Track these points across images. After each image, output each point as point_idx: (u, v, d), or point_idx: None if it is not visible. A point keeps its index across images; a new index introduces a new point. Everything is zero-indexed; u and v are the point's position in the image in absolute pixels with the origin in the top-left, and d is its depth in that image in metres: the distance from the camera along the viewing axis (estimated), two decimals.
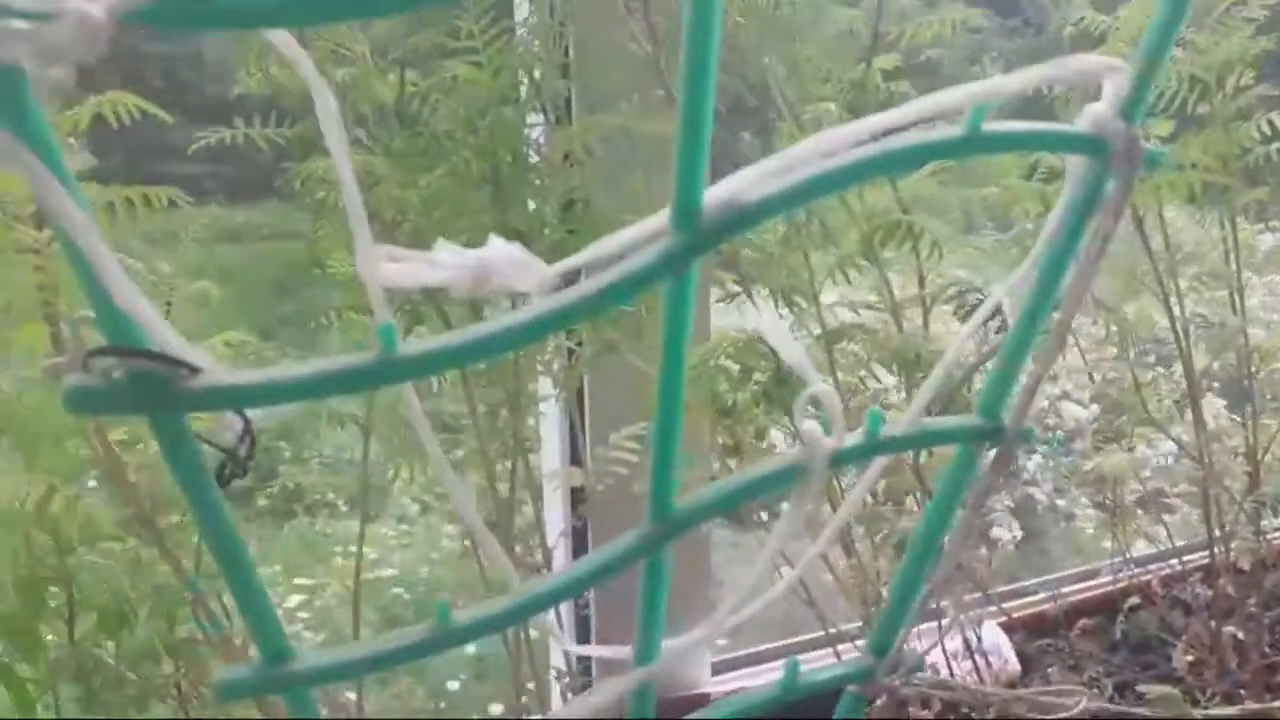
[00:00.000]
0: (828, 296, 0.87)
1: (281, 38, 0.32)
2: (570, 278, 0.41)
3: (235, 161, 0.86)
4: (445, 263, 0.39)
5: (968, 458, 0.50)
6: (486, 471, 0.74)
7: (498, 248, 0.40)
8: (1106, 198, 0.46)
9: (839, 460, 0.45)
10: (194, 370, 0.32)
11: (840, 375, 0.81)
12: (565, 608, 0.98)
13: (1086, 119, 0.45)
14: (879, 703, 0.54)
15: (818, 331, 0.80)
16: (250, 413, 0.39)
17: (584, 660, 0.96)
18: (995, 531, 1.86)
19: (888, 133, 0.40)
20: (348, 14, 0.29)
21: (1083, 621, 1.21)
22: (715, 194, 0.40)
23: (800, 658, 0.53)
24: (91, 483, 0.82)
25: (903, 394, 0.86)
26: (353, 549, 0.84)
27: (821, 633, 1.01)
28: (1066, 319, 0.48)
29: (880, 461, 0.50)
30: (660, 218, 0.39)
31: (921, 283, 0.81)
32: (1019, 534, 1.85)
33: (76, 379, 0.31)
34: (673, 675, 1.04)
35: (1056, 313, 0.50)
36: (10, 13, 0.26)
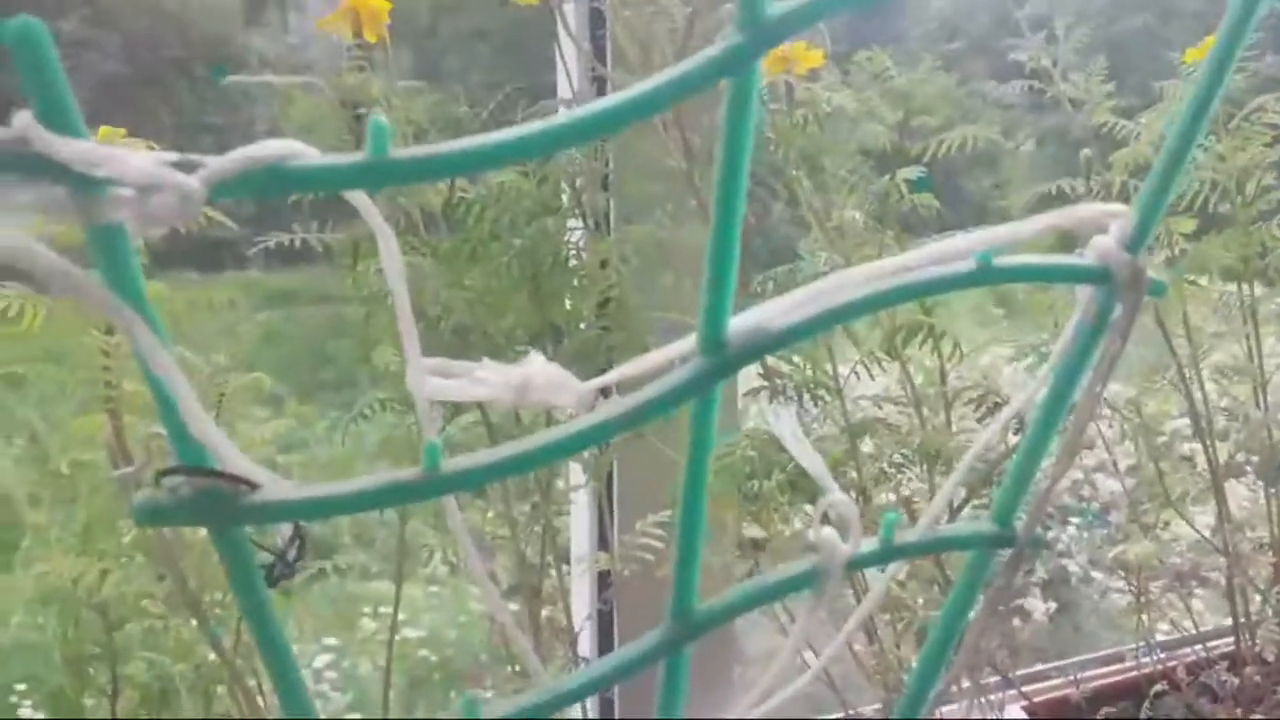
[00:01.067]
0: (855, 389, 0.89)
1: (357, 197, 0.35)
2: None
3: (277, 226, 0.87)
4: (489, 380, 0.42)
5: (982, 561, 0.52)
6: (516, 556, 0.76)
7: (537, 366, 0.42)
8: (1113, 321, 0.48)
9: (854, 566, 0.47)
10: (253, 486, 0.35)
11: (865, 469, 0.82)
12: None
13: (1093, 252, 0.47)
14: None
15: (842, 424, 0.82)
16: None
17: None
18: (1028, 604, 1.84)
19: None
20: (415, 179, 0.32)
21: (1105, 710, 1.19)
22: (742, 321, 0.42)
23: None
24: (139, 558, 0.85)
25: (925, 484, 0.87)
26: (382, 609, 0.86)
27: (842, 715, 1.01)
28: (1078, 431, 0.50)
29: (895, 565, 0.51)
30: (688, 341, 0.42)
31: (943, 379, 0.83)
32: (1052, 606, 1.82)
33: (147, 494, 0.34)
34: None
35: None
36: (124, 184, 0.29)
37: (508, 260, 0.74)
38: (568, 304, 0.76)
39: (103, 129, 0.68)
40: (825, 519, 0.47)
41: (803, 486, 0.84)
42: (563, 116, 0.35)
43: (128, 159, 0.28)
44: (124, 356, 0.63)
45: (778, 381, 0.80)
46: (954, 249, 0.43)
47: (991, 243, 0.42)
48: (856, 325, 0.80)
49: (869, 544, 0.47)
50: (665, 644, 0.44)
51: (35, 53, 0.29)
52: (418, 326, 0.79)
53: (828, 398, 0.81)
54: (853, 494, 0.83)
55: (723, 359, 0.40)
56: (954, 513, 0.79)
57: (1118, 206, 0.44)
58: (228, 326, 0.81)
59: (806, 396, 0.80)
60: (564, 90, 0.91)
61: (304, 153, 0.32)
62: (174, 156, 0.29)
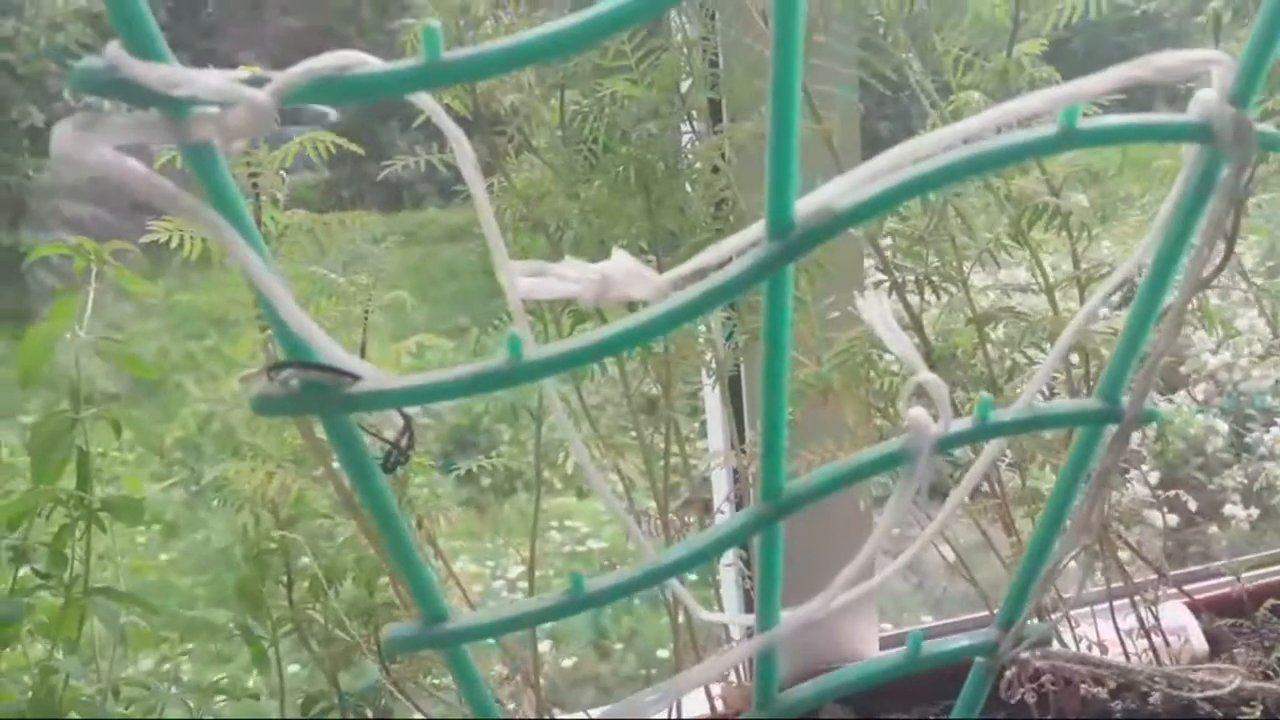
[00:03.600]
0: (979, 279, 0.86)
1: (423, 99, 0.36)
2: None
3: (451, 165, 0.90)
4: (572, 277, 0.43)
5: (1089, 439, 0.50)
6: (645, 454, 0.79)
7: (618, 261, 0.44)
8: (1220, 182, 0.45)
9: (946, 445, 0.46)
10: (355, 378, 0.38)
11: (997, 360, 0.80)
12: (732, 580, 1.02)
13: (1195, 107, 0.44)
14: (1009, 674, 0.55)
15: (969, 315, 0.80)
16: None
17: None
18: (1228, 509, 1.75)
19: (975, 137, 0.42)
20: (467, 77, 0.33)
21: (1271, 601, 1.14)
22: (808, 203, 0.42)
23: None
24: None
25: (1062, 375, 0.84)
26: (567, 523, 0.91)
27: (987, 613, 1.00)
28: (1183, 302, 0.47)
29: (997, 444, 0.51)
30: (758, 227, 0.42)
31: (1075, 263, 0.79)
32: (1254, 512, 1.72)
33: (263, 388, 0.37)
34: (837, 646, 1.06)
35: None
36: (201, 101, 0.31)
37: (621, 168, 0.75)
38: (681, 209, 0.77)
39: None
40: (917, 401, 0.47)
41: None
42: (608, 4, 0.35)
43: (202, 77, 0.30)
44: None
45: (897, 275, 0.79)
46: (1025, 108, 0.41)
47: (1069, 99, 0.40)
48: (976, 208, 0.77)
49: (962, 424, 0.47)
50: (755, 521, 0.46)
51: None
52: (539, 238, 0.81)
53: (953, 289, 0.79)
54: (983, 386, 0.81)
55: (789, 242, 0.40)
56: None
57: (1214, 53, 0.41)
58: (400, 260, 0.85)
59: (928, 289, 0.79)
60: None
61: (366, 61, 0.34)
62: (245, 73, 0.32)
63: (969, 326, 0.80)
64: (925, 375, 0.45)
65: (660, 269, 0.69)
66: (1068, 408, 0.50)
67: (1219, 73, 0.42)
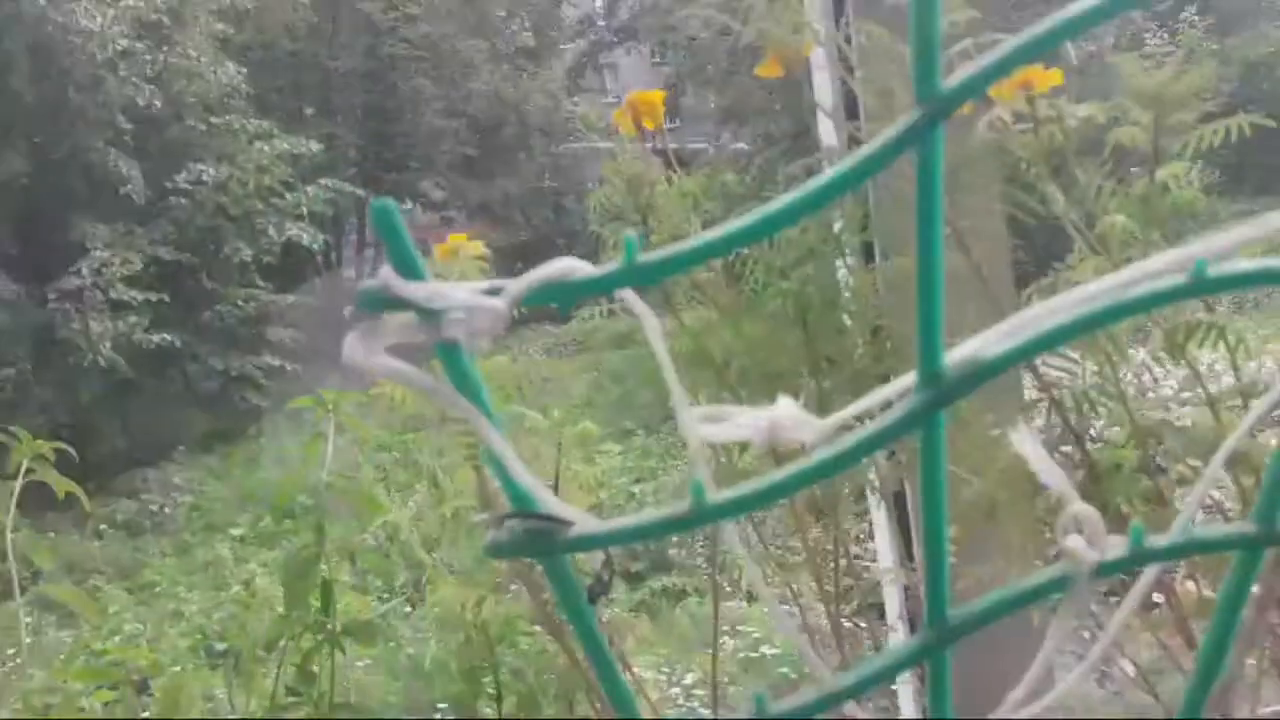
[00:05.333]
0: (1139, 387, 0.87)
1: (624, 292, 0.43)
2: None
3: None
4: (744, 423, 0.49)
5: (1247, 562, 0.51)
6: (814, 571, 0.82)
7: (783, 408, 0.49)
8: None
9: (1103, 572, 0.49)
10: (568, 524, 0.44)
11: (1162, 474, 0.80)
12: (908, 685, 1.02)
13: None
14: None
15: (1129, 430, 0.80)
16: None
17: None
18: None
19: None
20: (661, 276, 0.40)
21: None
22: (959, 353, 0.46)
23: None
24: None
25: (1231, 485, 0.83)
26: (740, 628, 0.94)
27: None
28: None
29: (1153, 568, 0.52)
30: (911, 377, 0.46)
31: (1236, 375, 0.79)
32: None
33: (494, 534, 0.44)
34: None
35: None
36: (453, 309, 0.39)
37: (781, 304, 0.81)
38: (839, 337, 0.81)
39: (452, 237, 0.83)
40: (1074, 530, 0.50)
41: (1093, 494, 0.83)
42: (775, 204, 0.41)
43: (454, 292, 0.38)
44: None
45: (1055, 392, 0.81)
46: (1169, 263, 0.44)
47: (1196, 256, 0.43)
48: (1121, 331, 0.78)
49: (1117, 550, 0.49)
50: (923, 649, 0.48)
51: (390, 222, 0.40)
52: (705, 371, 0.87)
53: (1109, 404, 0.80)
54: (1149, 500, 0.81)
55: (940, 391, 0.44)
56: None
57: None
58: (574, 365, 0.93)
59: (1086, 405, 0.80)
60: (826, 135, 0.97)
61: (578, 268, 0.41)
62: (485, 285, 0.39)
63: (1129, 442, 0.80)
64: (1079, 507, 0.48)
65: (820, 393, 0.74)
66: (1222, 532, 0.51)
67: None
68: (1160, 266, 0.45)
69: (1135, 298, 0.47)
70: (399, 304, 0.39)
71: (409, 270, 0.39)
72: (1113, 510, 0.78)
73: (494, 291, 0.39)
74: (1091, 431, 0.82)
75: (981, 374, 0.45)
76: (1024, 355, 0.46)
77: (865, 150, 0.40)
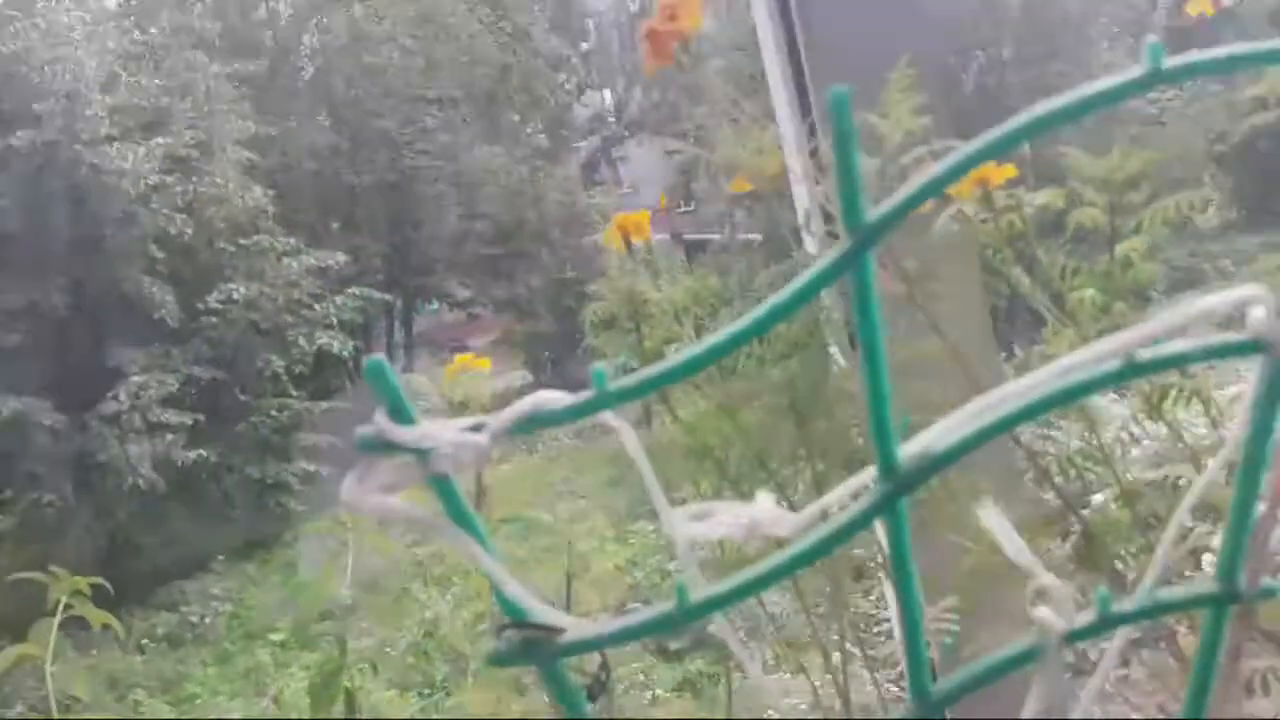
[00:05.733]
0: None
1: (604, 415, 0.47)
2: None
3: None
4: (727, 521, 0.52)
5: (1215, 620, 0.53)
6: (821, 651, 0.84)
7: (761, 506, 0.52)
8: None
9: (1073, 639, 0.51)
10: (560, 630, 0.48)
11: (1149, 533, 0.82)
12: None
13: (1249, 327, 0.49)
14: None
15: (1116, 490, 0.83)
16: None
17: None
18: None
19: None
20: (631, 399, 0.44)
21: None
22: (911, 447, 0.50)
23: None
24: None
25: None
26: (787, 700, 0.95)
27: None
28: (1272, 488, 0.51)
29: (1125, 631, 0.54)
30: (871, 472, 0.50)
31: (1215, 430, 0.82)
32: None
33: (494, 644, 0.47)
34: None
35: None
36: (441, 447, 0.43)
37: (771, 394, 0.85)
38: (829, 421, 0.85)
39: (459, 357, 0.89)
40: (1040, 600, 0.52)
41: (1087, 556, 0.85)
42: (735, 326, 0.46)
43: (441, 432, 0.42)
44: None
45: (1039, 460, 0.83)
46: (1100, 352, 0.48)
47: (1132, 344, 0.47)
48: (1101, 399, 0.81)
49: (1086, 617, 0.52)
50: None
51: (382, 375, 0.45)
52: (704, 462, 0.91)
53: (1094, 467, 0.83)
54: (1140, 555, 0.83)
55: (898, 482, 0.48)
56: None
57: (1256, 289, 0.47)
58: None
59: (1072, 470, 0.83)
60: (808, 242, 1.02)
61: (554, 399, 0.45)
62: (468, 422, 0.43)
63: (1120, 501, 0.83)
64: (1044, 580, 0.51)
65: (816, 477, 0.77)
66: (1187, 593, 0.54)
67: (1264, 303, 0.48)
68: (1102, 353, 0.49)
69: (1073, 384, 0.50)
70: (392, 446, 0.43)
71: (401, 415, 0.44)
72: (1109, 569, 0.80)
73: (478, 428, 0.43)
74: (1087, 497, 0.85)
75: (934, 465, 0.49)
76: (974, 443, 0.49)
77: (799, 280, 0.45)
